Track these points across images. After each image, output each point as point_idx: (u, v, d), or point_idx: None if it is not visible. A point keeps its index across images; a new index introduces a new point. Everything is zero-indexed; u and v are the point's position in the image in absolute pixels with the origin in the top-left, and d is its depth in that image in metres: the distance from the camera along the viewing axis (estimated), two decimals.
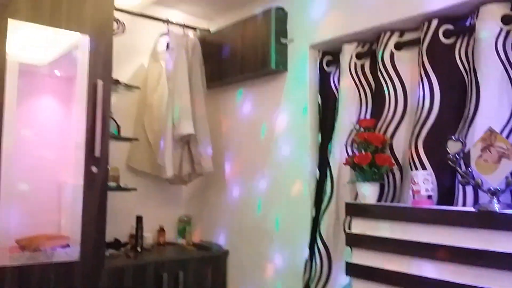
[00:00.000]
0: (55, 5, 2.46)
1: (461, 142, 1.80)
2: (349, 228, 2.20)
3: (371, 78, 2.36)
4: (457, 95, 1.99)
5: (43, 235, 2.69)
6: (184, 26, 3.21)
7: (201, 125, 2.98)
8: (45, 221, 2.92)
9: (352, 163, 2.13)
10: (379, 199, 2.14)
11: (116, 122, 2.96)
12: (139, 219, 2.96)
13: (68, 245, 2.58)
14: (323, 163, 2.48)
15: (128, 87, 3.06)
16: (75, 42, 2.60)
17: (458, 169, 1.78)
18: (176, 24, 3.19)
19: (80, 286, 2.46)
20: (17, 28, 2.37)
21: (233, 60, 2.93)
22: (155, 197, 3.31)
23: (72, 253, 2.49)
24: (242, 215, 2.98)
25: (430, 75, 2.05)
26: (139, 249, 2.93)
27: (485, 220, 1.65)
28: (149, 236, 3.09)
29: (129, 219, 3.05)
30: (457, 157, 1.80)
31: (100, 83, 2.55)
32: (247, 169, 2.98)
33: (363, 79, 2.38)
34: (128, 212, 3.08)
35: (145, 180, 3.22)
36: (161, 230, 3.23)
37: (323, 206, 2.38)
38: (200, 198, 3.35)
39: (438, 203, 1.96)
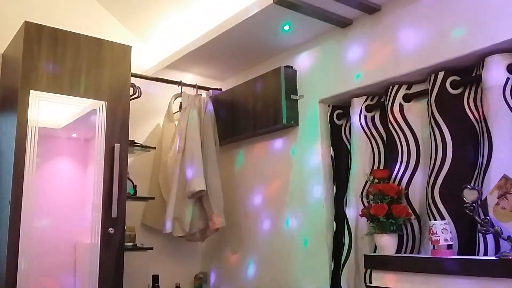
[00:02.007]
0: (74, 76, 2.58)
1: (477, 191, 1.81)
2: (370, 281, 2.17)
3: (382, 129, 2.41)
4: (470, 144, 2.02)
5: None
6: (197, 86, 3.32)
7: (213, 182, 3.01)
8: (62, 281, 2.91)
9: (368, 214, 2.14)
10: (398, 250, 2.13)
11: (132, 182, 3.01)
12: (155, 278, 2.94)
13: None
14: (340, 215, 2.48)
15: (144, 147, 3.13)
16: (92, 107, 2.70)
17: (477, 218, 1.78)
18: (189, 85, 3.31)
19: None
20: (38, 97, 2.48)
21: (245, 117, 3.00)
22: (171, 254, 3.29)
23: None
24: (259, 272, 2.95)
25: (441, 125, 2.09)
26: None
27: (507, 268, 1.64)
28: None
29: (145, 278, 3.03)
30: (475, 205, 1.80)
31: (117, 146, 2.62)
32: (263, 226, 2.98)
33: (374, 131, 2.43)
34: (144, 271, 3.06)
35: (161, 238, 3.21)
36: None
37: (342, 259, 2.36)
38: (217, 255, 3.32)
39: (459, 253, 1.94)
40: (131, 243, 2.90)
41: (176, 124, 3.21)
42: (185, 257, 3.37)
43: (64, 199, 2.98)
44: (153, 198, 3.11)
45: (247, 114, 2.98)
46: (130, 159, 2.89)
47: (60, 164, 3.06)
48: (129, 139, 2.75)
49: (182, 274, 3.30)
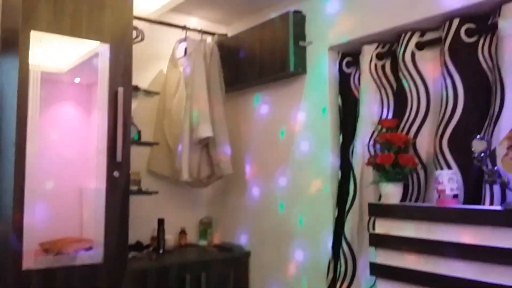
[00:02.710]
0: (75, 16, 2.50)
1: (487, 141, 1.79)
2: (373, 229, 2.20)
3: (392, 78, 2.36)
4: (481, 94, 1.98)
5: (66, 238, 2.73)
6: (202, 31, 3.24)
7: (219, 127, 3.00)
8: (68, 225, 2.96)
9: (374, 163, 2.14)
10: (403, 199, 2.15)
11: (136, 127, 3.00)
12: (160, 222, 2.99)
13: (91, 248, 2.62)
14: (346, 164, 2.48)
15: (148, 93, 3.10)
16: (95, 50, 2.64)
17: (484, 168, 1.78)
18: (194, 30, 3.23)
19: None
20: (39, 39, 2.42)
21: (251, 64, 2.95)
22: (176, 200, 3.34)
23: (95, 256, 2.53)
24: (264, 216, 3.00)
25: (453, 74, 2.05)
26: (161, 251, 2.96)
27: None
28: (170, 238, 3.12)
29: (150, 222, 3.09)
30: (483, 156, 1.79)
31: (120, 90, 2.59)
32: (267, 171, 3.00)
33: (384, 79, 2.38)
34: (149, 215, 3.12)
35: (166, 183, 3.25)
36: (183, 232, 3.26)
37: (346, 207, 2.39)
38: (221, 200, 3.38)
39: (464, 203, 1.95)
40: (136, 187, 2.93)
41: (181, 70, 3.16)
42: (190, 202, 3.42)
43: (68, 145, 2.99)
44: (158, 144, 3.11)
45: (253, 61, 2.93)
46: (134, 105, 2.87)
47: (64, 110, 3.04)
48: (133, 84, 2.71)
49: (187, 219, 3.36)
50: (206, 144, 3.02)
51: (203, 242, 3.29)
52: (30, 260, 2.36)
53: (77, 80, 3.06)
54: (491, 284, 1.68)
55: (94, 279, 2.48)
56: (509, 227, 1.66)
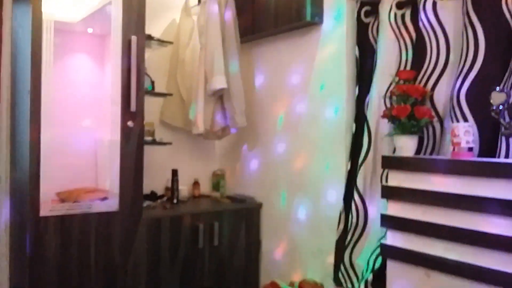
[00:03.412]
0: None
1: (506, 93, 1.75)
2: (386, 181, 2.20)
3: (412, 28, 2.29)
4: (503, 46, 1.91)
5: (82, 188, 2.79)
6: None
7: (234, 79, 2.97)
8: (83, 176, 3.02)
9: (390, 115, 2.11)
10: (418, 152, 2.13)
11: (150, 78, 2.99)
12: (174, 172, 3.03)
13: (106, 198, 2.68)
14: (360, 117, 2.45)
15: (161, 42, 3.06)
16: None
17: (502, 120, 1.75)
18: None
19: (119, 235, 2.57)
20: None
21: (267, 13, 2.88)
22: (189, 151, 3.37)
23: (111, 205, 2.59)
24: (276, 169, 3.02)
25: (475, 24, 1.98)
26: (175, 201, 3.01)
27: None
28: (184, 189, 3.17)
29: (164, 172, 3.13)
30: (501, 108, 1.76)
31: (134, 38, 2.56)
32: (279, 123, 2.99)
33: (404, 30, 2.31)
34: (163, 166, 3.16)
35: (179, 135, 3.27)
36: (196, 183, 3.31)
37: (360, 159, 2.38)
38: (234, 153, 3.40)
39: (479, 156, 1.93)
40: (150, 138, 2.95)
41: (195, 20, 3.10)
42: (203, 154, 3.45)
43: (82, 96, 3.00)
44: (171, 95, 3.10)
45: (268, 10, 2.86)
46: (147, 54, 2.84)
47: (77, 60, 3.04)
48: (146, 33, 2.68)
49: (200, 171, 3.40)
50: (220, 96, 3.00)
51: (216, 194, 3.34)
52: (47, 208, 2.42)
53: (90, 30, 3.03)
54: (505, 237, 1.68)
55: (110, 226, 2.55)
56: None
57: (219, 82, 2.87)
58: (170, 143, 3.05)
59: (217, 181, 3.37)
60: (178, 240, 2.78)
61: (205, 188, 3.41)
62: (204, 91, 2.93)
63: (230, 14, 2.99)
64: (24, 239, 2.39)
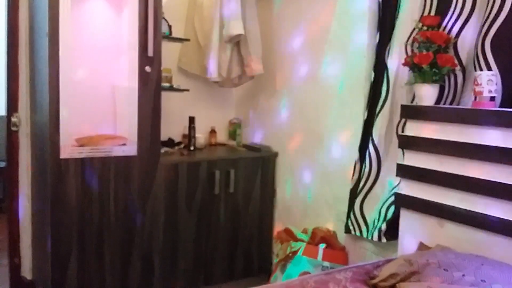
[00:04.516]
0: None
1: None
2: (403, 131, 2.17)
3: None
4: None
5: (101, 135, 2.81)
6: None
7: (251, 26, 2.90)
8: (102, 122, 3.04)
9: (411, 63, 2.05)
10: (438, 102, 2.07)
11: (167, 22, 2.94)
12: (191, 120, 3.04)
13: (124, 145, 2.72)
14: (380, 65, 2.39)
15: None
16: None
17: None
18: None
19: (138, 178, 2.62)
20: None
21: None
22: (206, 99, 3.36)
23: (130, 150, 2.62)
24: (293, 118, 3.00)
25: None
26: (192, 148, 3.04)
27: None
28: (201, 137, 3.19)
29: (181, 120, 3.14)
30: None
31: None
32: (299, 73, 2.94)
33: None
34: (180, 113, 3.16)
35: (197, 82, 3.25)
36: (213, 132, 3.32)
37: (377, 109, 2.34)
38: (251, 101, 3.38)
39: (502, 106, 1.87)
40: (167, 84, 2.94)
41: None
42: (220, 102, 3.43)
43: (100, 41, 2.96)
44: (189, 40, 3.06)
45: None
46: None
47: (96, 5, 2.98)
48: None
49: (217, 119, 3.41)
50: (237, 42, 2.95)
51: (232, 142, 3.35)
52: (68, 151, 2.47)
53: None
54: None
55: (128, 170, 2.60)
56: None
57: (236, 28, 2.81)
58: (187, 90, 3.04)
59: (234, 129, 3.37)
60: (195, 185, 2.82)
61: (221, 136, 3.42)
62: (220, 37, 2.88)
63: None
64: (45, 181, 2.46)
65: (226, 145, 3.36)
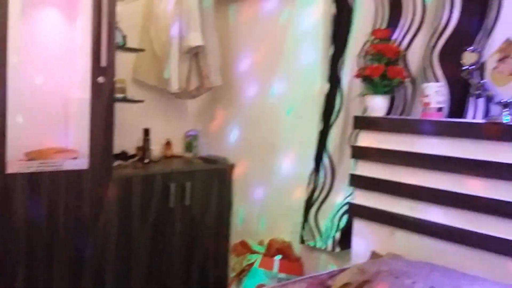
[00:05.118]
0: None
1: (477, 53, 1.75)
2: (355, 142, 2.21)
3: None
4: (477, 5, 1.89)
5: (51, 148, 2.71)
6: None
7: (210, 37, 2.89)
8: (53, 135, 2.94)
9: (363, 75, 2.09)
10: (389, 113, 2.13)
11: (122, 32, 2.89)
12: (146, 132, 2.98)
13: (76, 158, 2.63)
14: (333, 77, 2.43)
15: None
16: None
17: (472, 81, 1.75)
18: None
19: (90, 192, 2.53)
20: None
21: None
22: (162, 110, 3.31)
23: (81, 164, 2.54)
24: (250, 130, 3.00)
25: None
26: (146, 160, 2.97)
27: (494, 132, 1.64)
28: (156, 149, 3.13)
29: (136, 132, 3.06)
30: (471, 68, 1.76)
31: None
32: (255, 84, 2.95)
33: None
34: (135, 125, 3.09)
35: (152, 93, 3.19)
36: (168, 144, 3.26)
37: (331, 120, 2.38)
38: (208, 113, 3.35)
39: (449, 116, 1.93)
40: (121, 95, 2.88)
41: None
42: (176, 113, 3.39)
43: (52, 51, 2.88)
44: (144, 50, 3.01)
45: None
46: (119, 8, 2.74)
47: (48, 14, 2.90)
48: None
49: (173, 131, 3.35)
50: (195, 54, 2.93)
51: (188, 154, 3.31)
52: (16, 165, 2.36)
53: None
54: (468, 196, 1.71)
55: (80, 183, 2.51)
56: (490, 139, 1.66)
57: (195, 39, 2.80)
58: (142, 101, 2.99)
59: (190, 141, 3.33)
60: (149, 199, 2.76)
61: (177, 148, 3.37)
62: (179, 48, 2.85)
63: None
64: None
65: (182, 157, 3.31)
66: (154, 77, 3.08)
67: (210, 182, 3.01)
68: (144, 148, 3.00)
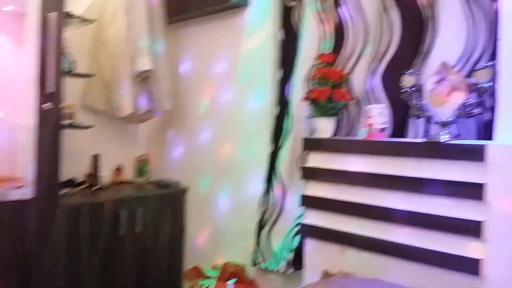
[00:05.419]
0: None
1: (416, 76, 1.84)
2: (305, 163, 2.25)
3: (334, 13, 2.33)
4: (415, 32, 2.00)
5: None
6: None
7: (160, 61, 2.90)
8: (1, 164, 2.84)
9: (310, 98, 2.15)
10: (335, 134, 2.19)
11: (70, 57, 2.84)
12: (95, 158, 2.91)
13: (21, 187, 2.54)
14: (283, 100, 2.48)
15: (83, 20, 2.91)
16: None
17: (411, 102, 1.83)
18: None
19: (35, 224, 2.43)
20: None
21: None
22: (112, 136, 3.25)
23: (27, 193, 2.46)
24: (202, 153, 2.99)
25: (391, 9, 2.06)
26: (96, 187, 2.89)
27: (433, 150, 1.73)
28: (106, 175, 3.06)
29: (85, 158, 2.99)
30: (411, 90, 1.84)
31: (52, 15, 2.43)
32: (205, 107, 2.96)
33: (325, 15, 2.35)
34: (84, 151, 3.01)
35: (102, 118, 3.14)
36: (119, 169, 3.20)
37: (281, 142, 2.41)
38: (159, 137, 3.32)
39: (392, 136, 2.01)
40: (69, 121, 2.81)
41: None
42: (127, 138, 3.34)
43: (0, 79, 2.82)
44: (92, 76, 2.97)
45: None
46: (69, 33, 2.71)
47: None
48: (66, 10, 2.55)
49: (124, 156, 3.30)
50: (144, 78, 2.92)
51: (140, 179, 3.25)
52: None
53: (7, 8, 2.84)
54: (410, 212, 1.77)
55: (25, 213, 2.41)
56: (430, 158, 1.73)
57: (144, 64, 2.79)
58: (90, 127, 2.93)
59: (141, 166, 3.28)
60: (99, 227, 2.67)
61: (128, 174, 3.31)
62: (129, 72, 2.84)
63: None
64: None
65: (133, 182, 3.25)
66: (104, 102, 3.04)
67: (162, 207, 2.96)
68: (93, 175, 2.93)
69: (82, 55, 3.02)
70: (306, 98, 2.20)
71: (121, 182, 3.19)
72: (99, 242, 2.67)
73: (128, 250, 2.79)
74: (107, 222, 2.70)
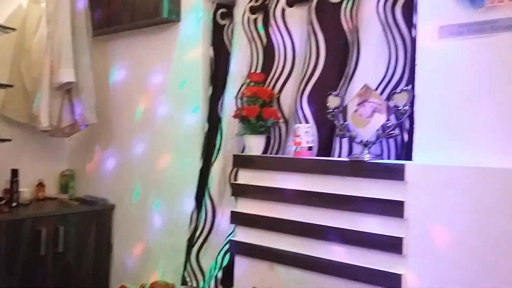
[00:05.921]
0: None
1: (341, 98, 1.91)
2: (236, 179, 2.26)
3: (263, 33, 2.39)
4: (341, 53, 2.09)
5: None
6: None
7: (84, 73, 2.79)
8: None
9: (240, 116, 2.17)
10: (265, 151, 2.22)
11: None
12: (14, 172, 2.75)
13: None
14: (214, 117, 2.49)
15: (4, 28, 2.75)
16: None
17: (337, 122, 1.90)
18: None
19: None
20: None
21: (123, 7, 2.77)
22: (33, 149, 3.08)
23: None
24: (130, 169, 2.91)
25: (317, 33, 2.13)
26: (14, 204, 2.73)
27: (357, 169, 1.80)
28: (26, 191, 2.89)
29: (3, 173, 2.82)
30: (336, 111, 1.91)
31: None
32: (135, 121, 2.89)
33: (256, 34, 2.40)
34: (2, 166, 2.84)
35: (22, 131, 2.98)
36: (41, 185, 3.03)
37: (212, 159, 2.41)
38: (85, 152, 3.19)
39: (318, 154, 2.08)
40: None
41: (43, 6, 2.87)
42: (50, 152, 3.18)
43: None
44: (12, 86, 2.80)
45: (125, 3, 2.76)
46: None
47: None
48: None
49: (47, 171, 3.14)
50: (68, 90, 2.80)
51: (63, 196, 3.11)
52: None
53: None
54: (336, 228, 1.82)
55: None
56: (354, 176, 1.80)
57: (66, 75, 2.68)
58: (9, 140, 2.76)
59: (66, 182, 3.14)
60: (17, 247, 2.52)
61: (52, 190, 3.14)
62: (50, 83, 2.71)
63: (82, 4, 2.81)
64: None
65: (57, 199, 3.09)
66: (24, 114, 2.88)
67: (88, 225, 2.84)
68: (11, 190, 2.76)
69: (3, 64, 2.86)
70: (236, 116, 2.21)
71: (44, 199, 3.02)
72: (17, 263, 2.51)
73: (49, 271, 2.65)
74: (26, 241, 2.55)
